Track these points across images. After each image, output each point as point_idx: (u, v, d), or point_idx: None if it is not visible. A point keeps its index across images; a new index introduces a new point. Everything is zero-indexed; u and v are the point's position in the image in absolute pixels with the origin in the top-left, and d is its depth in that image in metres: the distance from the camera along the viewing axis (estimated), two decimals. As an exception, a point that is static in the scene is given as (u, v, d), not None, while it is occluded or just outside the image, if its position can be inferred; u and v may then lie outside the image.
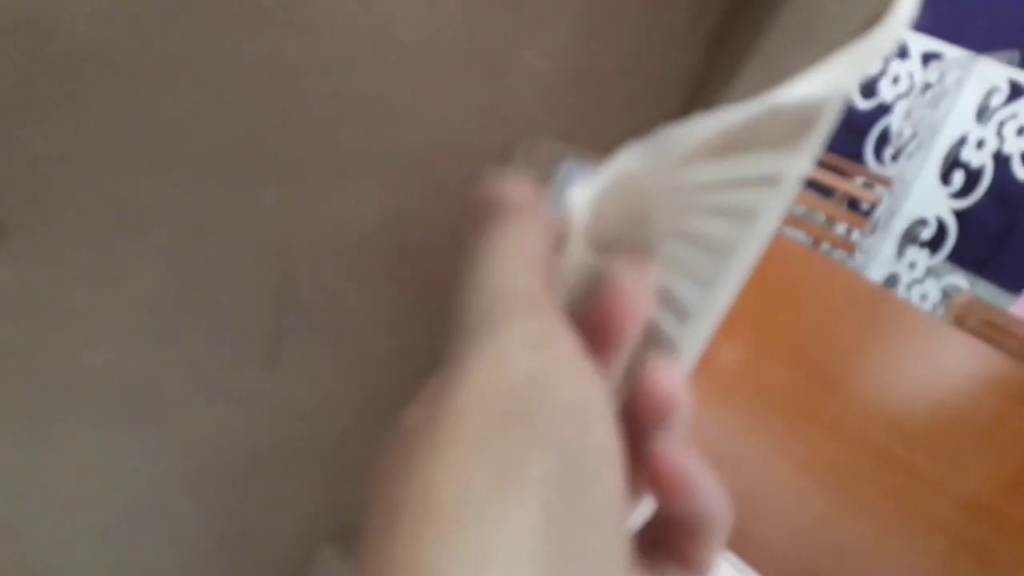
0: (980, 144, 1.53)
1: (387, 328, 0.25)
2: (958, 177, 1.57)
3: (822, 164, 1.65)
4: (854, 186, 1.58)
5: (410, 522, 0.13)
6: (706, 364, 1.22)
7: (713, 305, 0.20)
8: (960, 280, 1.68)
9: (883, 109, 1.74)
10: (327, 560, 0.30)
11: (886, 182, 1.65)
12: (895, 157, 1.75)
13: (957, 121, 1.52)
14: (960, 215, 1.60)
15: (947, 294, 1.61)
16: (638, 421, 0.18)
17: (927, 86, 1.58)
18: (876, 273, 1.74)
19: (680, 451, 0.18)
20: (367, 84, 0.21)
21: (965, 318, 1.16)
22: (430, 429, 0.14)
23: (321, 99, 0.21)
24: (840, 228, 1.72)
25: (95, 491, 0.25)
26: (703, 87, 0.25)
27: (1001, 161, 1.52)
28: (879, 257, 1.72)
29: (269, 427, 0.26)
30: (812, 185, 1.74)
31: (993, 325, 1.13)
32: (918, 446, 1.06)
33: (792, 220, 1.72)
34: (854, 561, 1.15)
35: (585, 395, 0.15)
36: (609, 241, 0.19)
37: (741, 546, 1.34)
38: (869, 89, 1.75)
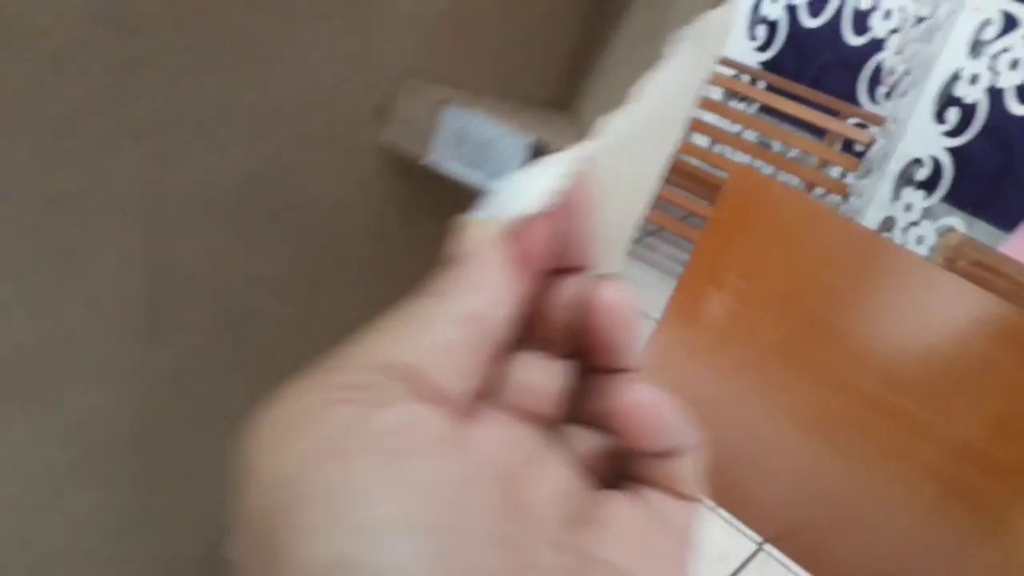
0: (974, 79, 1.51)
1: (273, 290, 0.24)
2: (952, 114, 1.55)
3: (814, 104, 1.63)
4: (847, 127, 1.56)
5: None
6: (696, 316, 1.22)
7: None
8: (956, 221, 1.67)
9: (876, 45, 1.72)
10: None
11: (880, 121, 1.64)
12: (888, 95, 1.72)
13: (950, 56, 1.50)
14: (955, 153, 1.59)
15: (943, 236, 1.61)
16: (593, 352, 0.19)
17: (920, 19, 1.55)
18: (872, 216, 1.73)
19: (637, 388, 0.19)
20: (220, 32, 0.20)
21: (956, 260, 1.16)
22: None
23: (172, 50, 0.20)
24: (834, 171, 1.70)
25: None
26: (595, 23, 0.24)
27: (995, 96, 1.50)
28: (874, 200, 1.71)
29: (159, 400, 0.25)
30: (804, 126, 1.72)
31: (983, 266, 1.13)
32: (908, 392, 1.07)
33: (784, 164, 1.70)
34: (847, 511, 1.17)
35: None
36: None
37: (733, 502, 1.35)
38: (861, 24, 1.72)
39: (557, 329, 0.20)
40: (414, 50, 0.22)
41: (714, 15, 0.17)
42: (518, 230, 0.18)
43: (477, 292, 0.17)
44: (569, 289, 0.19)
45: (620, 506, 0.19)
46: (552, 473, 0.19)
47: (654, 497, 0.19)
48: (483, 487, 0.16)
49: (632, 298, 0.19)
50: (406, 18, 0.22)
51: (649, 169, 0.20)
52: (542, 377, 0.20)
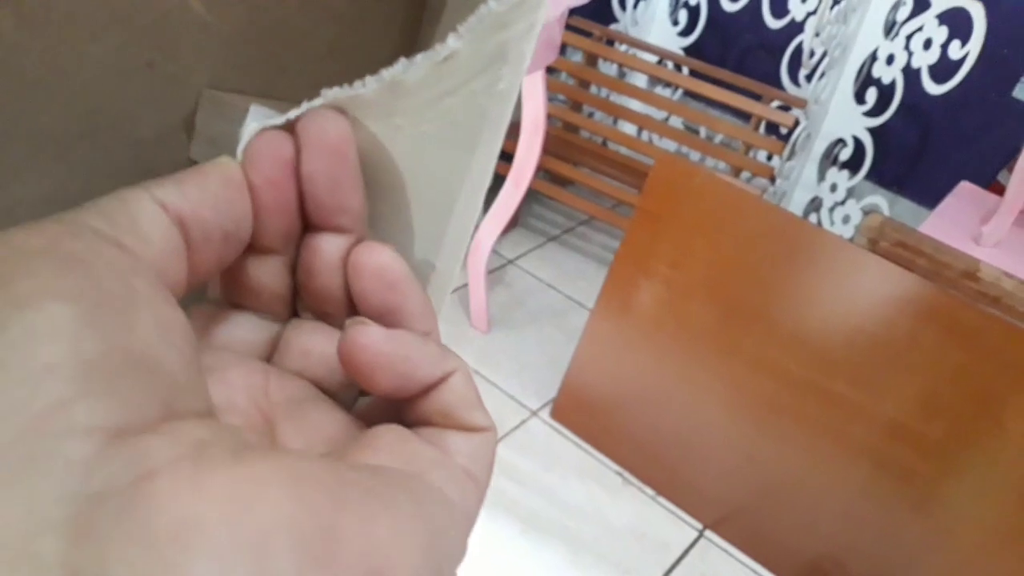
0: (890, 60, 1.53)
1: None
2: (871, 94, 1.57)
3: (737, 88, 1.64)
4: (770, 110, 1.57)
5: None
6: (628, 306, 1.22)
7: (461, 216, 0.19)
8: (880, 200, 1.70)
9: (796, 27, 1.73)
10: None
11: (802, 104, 1.65)
12: (809, 77, 1.74)
13: (867, 37, 1.52)
14: (876, 133, 1.61)
15: (868, 215, 1.63)
16: (372, 319, 0.19)
17: (835, 1, 1.57)
18: (799, 198, 1.76)
19: (364, 329, 0.17)
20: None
21: (878, 240, 1.17)
22: None
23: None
24: (761, 155, 1.72)
25: None
26: (413, 27, 0.22)
27: (911, 76, 1.53)
28: (801, 181, 1.73)
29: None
30: (730, 110, 1.74)
31: (904, 246, 1.14)
32: (838, 373, 1.08)
33: (711, 149, 1.71)
34: (782, 494, 1.18)
35: None
36: None
37: (672, 490, 1.35)
38: (780, 7, 1.73)
39: (331, 296, 0.19)
40: (218, 61, 0.20)
41: (493, 8, 0.16)
42: (248, 154, 0.18)
43: (181, 186, 0.16)
44: (332, 249, 0.19)
45: (392, 431, 0.18)
46: (318, 419, 0.19)
47: (432, 433, 0.18)
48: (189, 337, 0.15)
49: (397, 260, 0.19)
50: (205, 27, 0.20)
51: (451, 165, 0.19)
52: (320, 342, 0.20)
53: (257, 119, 0.17)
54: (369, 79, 0.17)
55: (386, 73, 0.17)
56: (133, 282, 0.14)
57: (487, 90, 0.17)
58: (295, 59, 0.21)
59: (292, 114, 0.18)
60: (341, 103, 0.18)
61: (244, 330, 0.20)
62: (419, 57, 0.17)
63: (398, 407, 0.19)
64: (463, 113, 0.18)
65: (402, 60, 0.17)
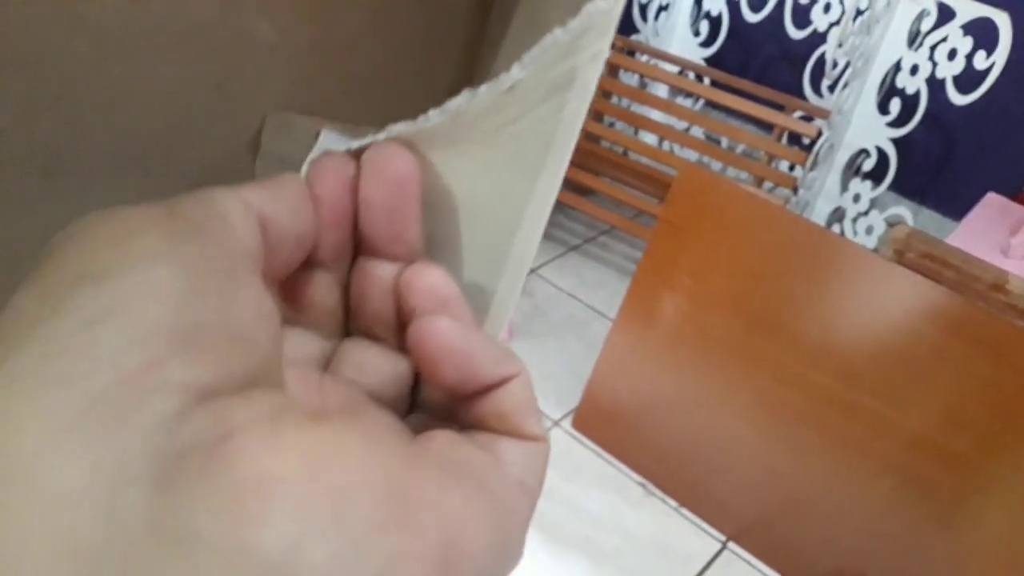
0: (914, 70, 1.53)
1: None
2: (895, 105, 1.56)
3: (759, 99, 1.64)
4: (792, 120, 1.57)
5: None
6: (650, 317, 1.22)
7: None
8: (903, 210, 1.69)
9: (818, 38, 1.73)
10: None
11: (825, 114, 1.65)
12: (832, 88, 1.74)
13: (890, 48, 1.52)
14: (899, 143, 1.60)
15: (892, 225, 1.62)
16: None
17: (858, 12, 1.56)
18: (822, 208, 1.75)
19: (431, 321, 0.18)
20: (57, 73, 0.18)
21: (904, 252, 1.16)
22: None
23: (6, 94, 0.18)
24: (783, 165, 1.71)
25: None
26: (477, 46, 0.22)
27: (936, 86, 1.52)
28: (823, 192, 1.73)
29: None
30: (752, 121, 1.73)
31: (931, 257, 1.13)
32: (862, 386, 1.07)
33: (733, 159, 1.71)
34: (805, 506, 1.17)
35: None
36: None
37: (695, 501, 1.35)
38: (803, 18, 1.73)
39: (383, 319, 0.20)
40: (284, 82, 0.20)
41: (558, 35, 0.16)
42: (311, 168, 0.19)
43: (263, 190, 0.17)
44: (385, 275, 0.19)
45: (445, 435, 0.18)
46: (371, 419, 0.19)
47: (486, 438, 0.19)
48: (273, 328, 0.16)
49: (448, 280, 0.19)
50: (271, 49, 0.20)
51: (515, 190, 0.19)
52: (373, 356, 0.20)
53: (327, 142, 0.18)
54: (433, 112, 0.17)
55: (450, 104, 0.17)
56: (235, 262, 0.15)
57: (553, 116, 0.18)
58: (360, 79, 0.22)
59: (357, 144, 0.18)
60: (406, 136, 0.18)
61: (299, 342, 0.20)
62: (483, 88, 0.17)
63: (452, 414, 0.19)
64: (528, 139, 0.18)
65: (466, 91, 0.17)
